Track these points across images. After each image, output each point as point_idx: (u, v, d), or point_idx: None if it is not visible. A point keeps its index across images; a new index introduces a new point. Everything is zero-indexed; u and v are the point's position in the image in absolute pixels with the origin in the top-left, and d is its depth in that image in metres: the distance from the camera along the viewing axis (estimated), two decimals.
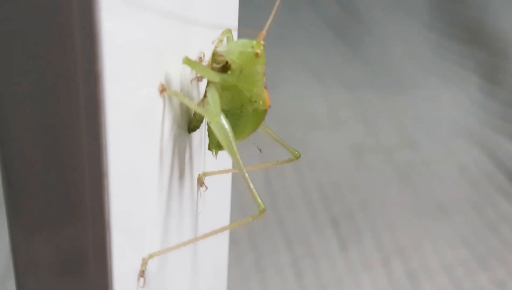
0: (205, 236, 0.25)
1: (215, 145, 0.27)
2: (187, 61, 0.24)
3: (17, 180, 0.22)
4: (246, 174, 0.25)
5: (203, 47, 0.27)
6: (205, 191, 0.30)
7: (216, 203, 0.32)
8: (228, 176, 0.34)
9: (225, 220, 0.34)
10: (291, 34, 0.96)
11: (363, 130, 0.78)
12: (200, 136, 0.29)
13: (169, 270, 0.27)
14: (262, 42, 0.25)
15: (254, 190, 0.24)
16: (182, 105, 0.26)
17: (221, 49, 0.25)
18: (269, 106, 0.26)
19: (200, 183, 0.29)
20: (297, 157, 0.28)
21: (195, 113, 0.27)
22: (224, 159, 0.31)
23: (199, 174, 0.29)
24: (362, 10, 1.02)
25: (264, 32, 0.25)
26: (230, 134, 0.25)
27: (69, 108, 0.21)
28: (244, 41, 0.25)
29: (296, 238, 0.62)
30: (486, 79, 0.85)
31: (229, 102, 0.26)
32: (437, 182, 0.70)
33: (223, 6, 0.29)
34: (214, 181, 0.31)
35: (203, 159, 0.29)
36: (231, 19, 0.30)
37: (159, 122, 0.25)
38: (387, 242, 0.62)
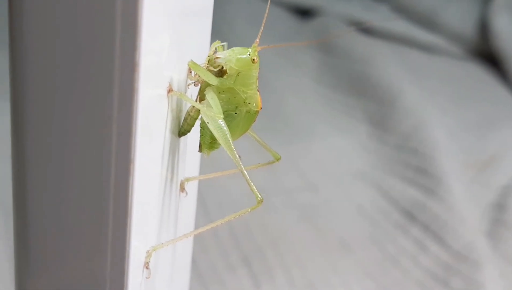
0: (202, 229, 0.27)
1: (207, 146, 0.29)
2: (192, 64, 0.26)
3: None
4: (244, 169, 0.27)
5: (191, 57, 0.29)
6: (185, 196, 0.31)
7: (187, 204, 0.33)
8: (195, 183, 0.35)
9: (192, 218, 0.35)
10: None
11: (265, 174, 0.81)
12: (184, 142, 0.30)
13: (158, 262, 0.28)
14: (257, 48, 0.27)
15: (251, 183, 0.26)
16: (173, 110, 0.28)
17: (220, 55, 0.27)
18: (261, 108, 0.28)
19: (182, 188, 0.31)
20: (278, 159, 0.30)
21: (186, 118, 0.28)
22: (195, 167, 0.33)
23: (181, 180, 0.31)
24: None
25: (257, 40, 0.28)
26: (228, 133, 0.27)
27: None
28: (240, 49, 0.27)
29: (209, 277, 0.63)
30: (375, 126, 0.91)
31: (225, 104, 0.28)
32: (338, 221, 0.74)
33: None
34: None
35: (184, 164, 0.31)
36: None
37: (163, 125, 0.26)
38: (297, 278, 0.65)
